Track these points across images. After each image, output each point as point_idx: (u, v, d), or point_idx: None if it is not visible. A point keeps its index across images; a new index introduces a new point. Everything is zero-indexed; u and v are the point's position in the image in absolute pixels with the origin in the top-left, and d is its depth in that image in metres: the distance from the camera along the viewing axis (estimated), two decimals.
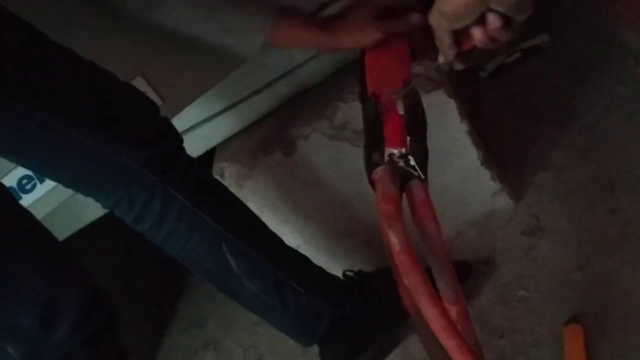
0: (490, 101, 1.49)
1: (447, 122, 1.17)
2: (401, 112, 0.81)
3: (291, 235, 1.25)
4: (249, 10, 0.88)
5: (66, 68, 0.94)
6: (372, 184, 0.79)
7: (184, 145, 1.06)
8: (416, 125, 0.81)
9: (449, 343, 0.68)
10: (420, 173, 0.78)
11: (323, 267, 1.15)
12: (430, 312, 0.68)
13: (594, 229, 1.12)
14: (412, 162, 0.78)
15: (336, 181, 1.23)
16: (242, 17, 0.88)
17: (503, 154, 1.33)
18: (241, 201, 1.10)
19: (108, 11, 0.88)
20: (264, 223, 1.11)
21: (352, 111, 1.16)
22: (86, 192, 1.00)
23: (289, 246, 1.13)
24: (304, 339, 1.14)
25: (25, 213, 0.95)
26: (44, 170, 1.00)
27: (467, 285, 1.14)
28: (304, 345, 1.17)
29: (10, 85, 0.88)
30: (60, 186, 1.01)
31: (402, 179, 0.78)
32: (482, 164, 1.22)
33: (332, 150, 1.20)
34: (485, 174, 1.23)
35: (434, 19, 0.75)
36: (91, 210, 1.20)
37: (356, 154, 0.87)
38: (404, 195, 0.78)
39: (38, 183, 1.20)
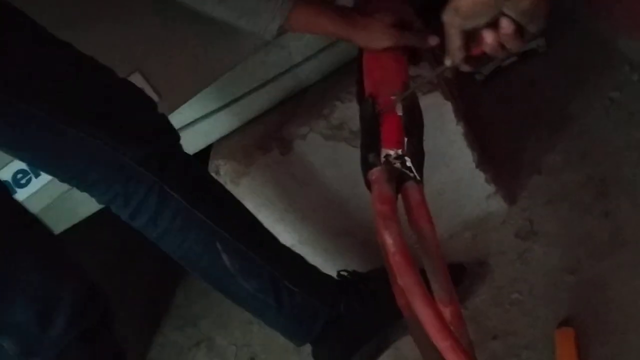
0: (486, 104, 1.49)
1: (443, 124, 1.18)
2: (400, 113, 0.81)
3: (287, 235, 1.25)
4: None
5: (67, 66, 0.94)
6: (368, 184, 0.79)
7: (180, 142, 1.06)
8: (414, 127, 0.82)
9: (442, 344, 0.68)
10: (417, 174, 0.78)
11: (318, 266, 1.16)
12: (424, 313, 0.68)
13: (587, 233, 1.13)
14: (409, 164, 0.78)
15: (333, 181, 1.23)
16: (258, 0, 0.86)
17: (498, 156, 1.34)
18: (237, 200, 1.10)
19: None
20: (259, 222, 1.11)
21: (349, 111, 1.16)
22: (82, 188, 1.00)
23: (284, 245, 1.13)
24: (299, 338, 1.14)
25: (21, 209, 0.95)
26: (43, 167, 1.01)
27: (461, 287, 1.15)
28: (297, 344, 1.17)
29: (14, 85, 0.89)
30: (56, 181, 1.01)
31: (398, 180, 0.78)
32: (478, 166, 1.22)
33: (329, 150, 1.20)
34: (480, 176, 1.23)
35: (447, 15, 0.75)
36: (86, 205, 1.20)
37: (353, 154, 0.87)
38: (400, 196, 0.78)
39: (33, 177, 1.19)
